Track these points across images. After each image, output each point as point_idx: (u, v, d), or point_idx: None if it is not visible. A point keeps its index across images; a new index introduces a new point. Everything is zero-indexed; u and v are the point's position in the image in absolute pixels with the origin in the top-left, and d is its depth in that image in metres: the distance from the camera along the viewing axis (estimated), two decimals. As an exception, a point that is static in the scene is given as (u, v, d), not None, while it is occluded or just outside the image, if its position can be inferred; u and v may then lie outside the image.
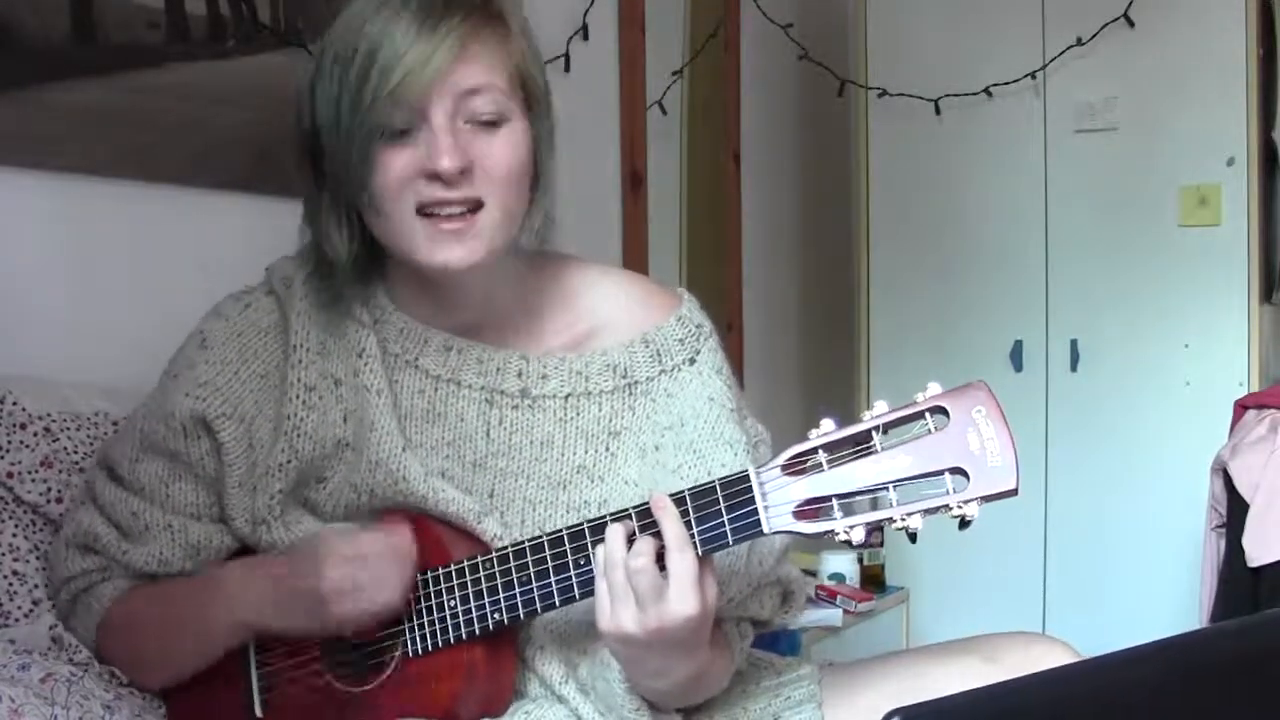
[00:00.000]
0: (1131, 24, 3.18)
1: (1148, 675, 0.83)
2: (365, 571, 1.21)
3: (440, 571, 1.24)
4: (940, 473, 1.07)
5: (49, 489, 1.43)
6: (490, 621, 1.22)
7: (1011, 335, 3.38)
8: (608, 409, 1.32)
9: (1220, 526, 2.76)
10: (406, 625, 1.25)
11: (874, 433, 1.09)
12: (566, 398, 1.31)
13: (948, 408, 1.08)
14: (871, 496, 1.10)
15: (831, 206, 3.79)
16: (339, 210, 1.27)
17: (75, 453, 1.49)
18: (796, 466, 1.12)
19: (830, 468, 1.10)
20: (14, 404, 1.46)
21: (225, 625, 1.27)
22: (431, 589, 1.24)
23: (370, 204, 1.22)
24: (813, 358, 3.87)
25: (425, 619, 1.24)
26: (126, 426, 1.36)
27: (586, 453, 1.31)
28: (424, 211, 1.22)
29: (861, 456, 1.09)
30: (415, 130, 1.20)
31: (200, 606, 1.29)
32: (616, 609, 1.12)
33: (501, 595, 1.21)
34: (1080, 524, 3.26)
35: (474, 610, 1.22)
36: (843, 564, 3.09)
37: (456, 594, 1.23)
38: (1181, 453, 3.10)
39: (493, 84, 1.22)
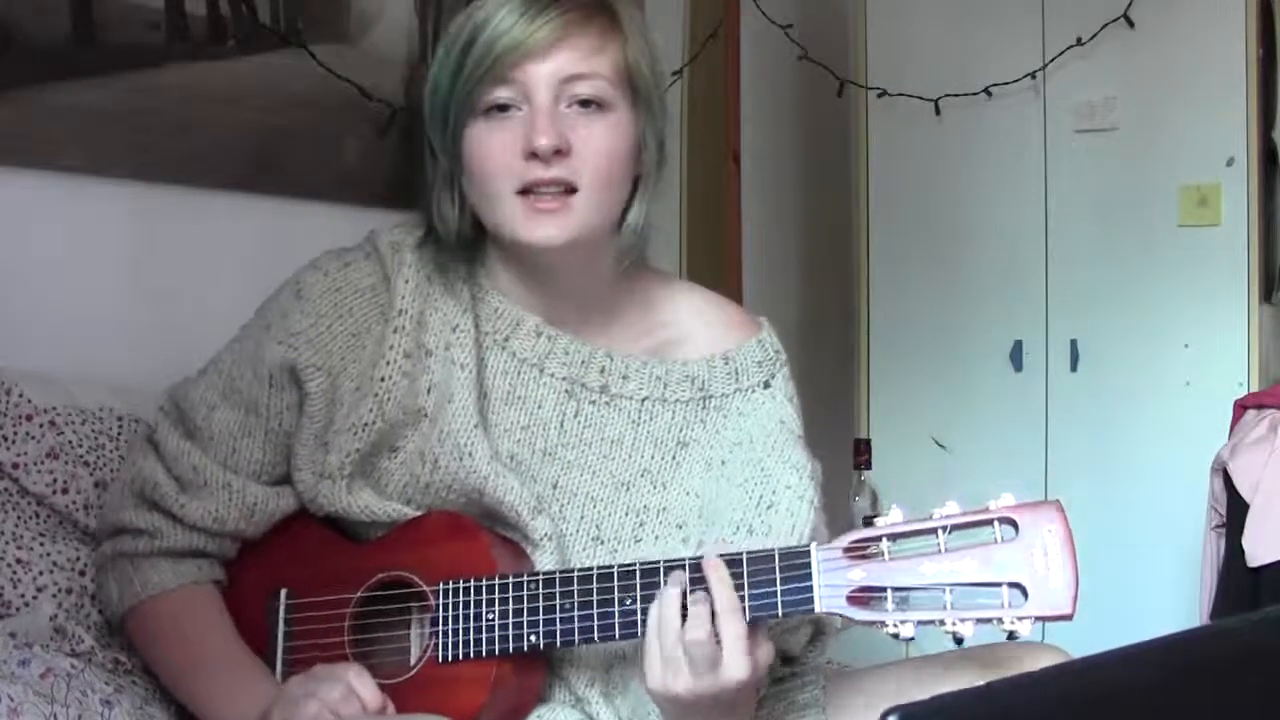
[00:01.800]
0: (1131, 24, 3.17)
1: (1146, 673, 0.83)
2: None
3: (484, 582, 1.23)
4: (999, 584, 1.08)
5: (54, 480, 1.44)
6: (525, 643, 1.21)
7: (1011, 335, 3.38)
8: (680, 418, 1.33)
9: (1220, 526, 2.76)
10: (440, 629, 1.24)
11: (940, 531, 1.10)
12: (643, 401, 1.33)
13: (1018, 521, 1.10)
14: (927, 594, 1.10)
15: (831, 206, 3.79)
16: (451, 188, 1.31)
17: (80, 446, 1.49)
18: (858, 551, 1.12)
19: (891, 559, 1.11)
20: (20, 396, 1.46)
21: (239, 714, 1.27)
22: (471, 596, 1.23)
23: (470, 181, 1.27)
24: (812, 358, 3.87)
25: (460, 625, 1.23)
26: (209, 371, 1.37)
27: (654, 458, 1.33)
28: (522, 191, 1.25)
29: (924, 553, 1.10)
30: (518, 110, 1.25)
31: (222, 689, 1.29)
32: (668, 674, 1.13)
33: (541, 620, 1.21)
34: (1080, 524, 3.24)
35: (510, 628, 1.21)
36: (843, 564, 3.09)
37: (496, 608, 1.22)
38: (1181, 453, 3.09)
39: (596, 72, 1.26)
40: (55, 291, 1.70)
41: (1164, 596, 3.14)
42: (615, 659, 1.28)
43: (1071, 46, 3.24)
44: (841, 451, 3.26)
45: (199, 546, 1.34)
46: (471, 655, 1.23)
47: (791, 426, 1.35)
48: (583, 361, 1.33)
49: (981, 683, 1.21)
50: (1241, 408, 2.81)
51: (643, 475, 1.32)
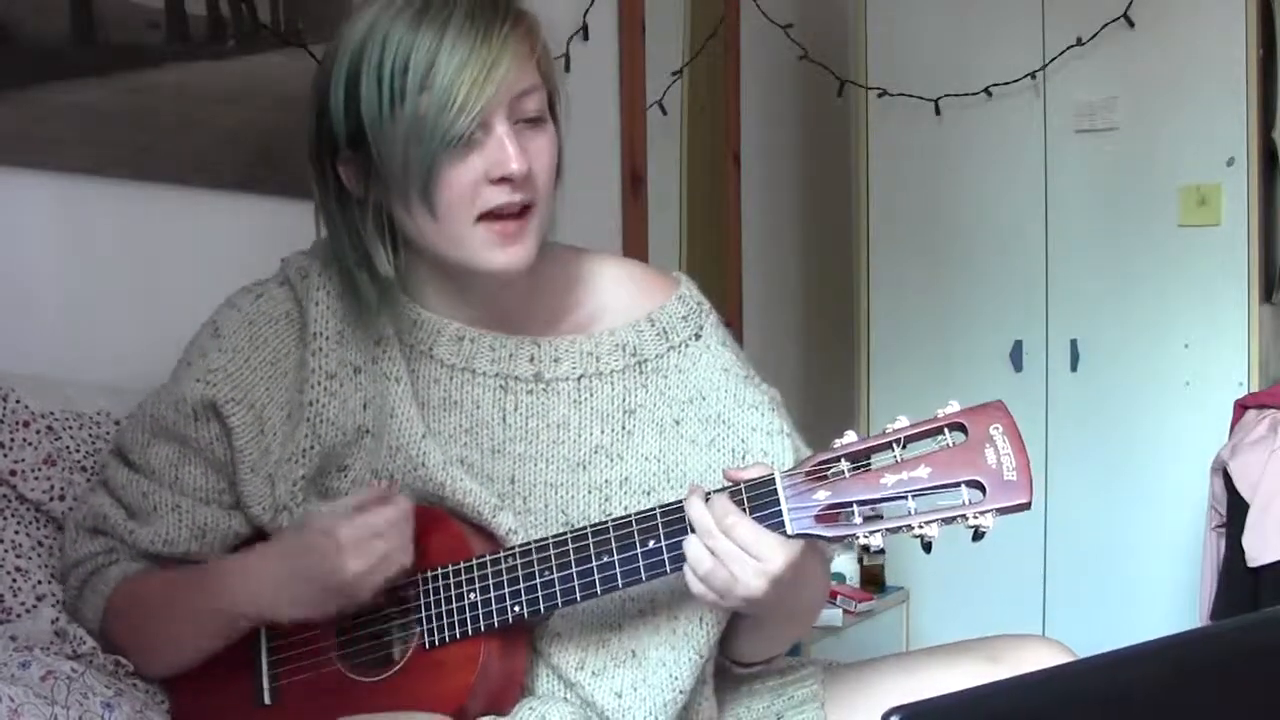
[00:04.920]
0: (1131, 24, 3.18)
1: (1147, 674, 0.83)
2: (382, 545, 1.21)
3: (461, 564, 1.25)
4: (957, 484, 1.12)
5: (51, 486, 1.43)
6: (510, 615, 1.23)
7: (1011, 335, 3.38)
8: (620, 388, 1.34)
9: (1220, 526, 2.77)
10: (424, 615, 1.25)
11: (894, 445, 1.14)
12: (579, 379, 1.34)
13: (966, 424, 1.13)
14: (891, 504, 1.13)
15: (831, 206, 3.79)
16: (380, 222, 1.28)
17: (77, 451, 1.49)
18: (820, 473, 1.15)
19: (852, 475, 1.14)
20: (17, 402, 1.46)
21: (225, 617, 1.28)
22: (451, 580, 1.24)
23: (429, 213, 1.23)
24: (813, 358, 3.87)
25: (443, 608, 1.24)
26: (138, 413, 1.38)
27: (603, 433, 1.33)
28: (483, 216, 1.24)
29: (882, 467, 1.14)
30: (474, 139, 1.22)
31: (200, 596, 1.29)
32: (736, 591, 1.16)
33: (523, 589, 1.22)
34: (1080, 524, 3.26)
35: (494, 603, 1.23)
36: (843, 564, 3.09)
37: (476, 586, 1.23)
38: (1181, 453, 3.10)
39: (537, 84, 1.26)
40: (54, 292, 1.70)
41: (1164, 596, 3.14)
42: (608, 633, 1.29)
43: (1071, 46, 3.24)
44: (841, 451, 3.26)
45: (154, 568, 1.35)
46: (458, 636, 1.24)
47: (736, 370, 1.36)
48: (510, 355, 1.34)
49: (980, 676, 1.24)
50: (1241, 408, 2.81)
51: (596, 452, 1.33)
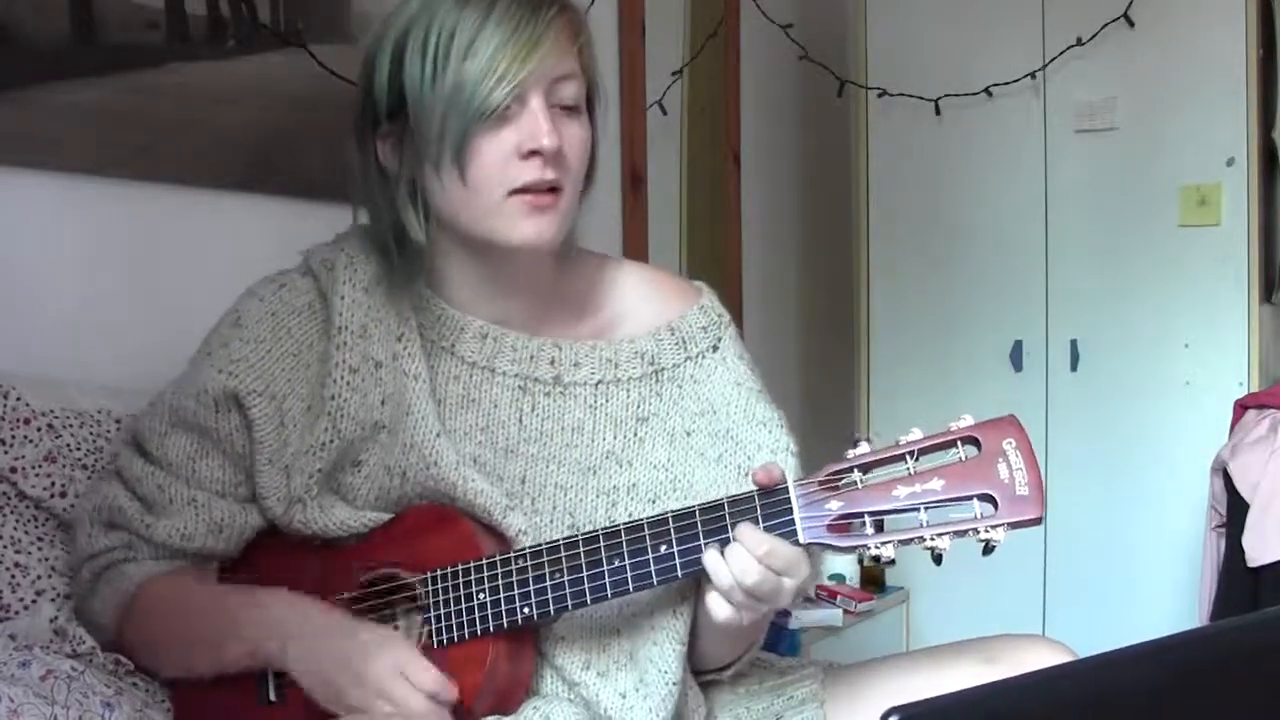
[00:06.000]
0: (1131, 24, 3.18)
1: (1147, 674, 0.83)
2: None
3: (471, 564, 1.25)
4: (970, 498, 1.13)
5: (52, 484, 1.44)
6: (519, 616, 1.23)
7: (1011, 335, 3.38)
8: (635, 395, 1.35)
9: (1220, 526, 2.77)
10: (432, 614, 1.25)
11: (908, 456, 1.15)
12: (597, 384, 1.35)
13: (979, 438, 1.14)
14: (903, 516, 1.14)
15: (831, 206, 3.79)
16: (415, 193, 1.30)
17: (78, 449, 1.49)
18: (832, 483, 1.16)
19: (865, 486, 1.15)
20: (18, 399, 1.46)
21: (247, 654, 1.27)
22: (460, 580, 1.25)
23: (462, 181, 1.25)
24: (813, 359, 3.87)
25: (452, 608, 1.25)
26: (156, 402, 1.37)
27: (615, 438, 1.34)
28: (514, 193, 1.26)
29: (895, 478, 1.15)
30: (510, 113, 1.24)
31: (228, 626, 1.28)
32: (744, 614, 1.19)
33: (533, 590, 1.23)
34: (1080, 524, 3.26)
35: (503, 604, 1.23)
36: (843, 564, 3.09)
37: (486, 586, 1.24)
38: (1181, 453, 3.10)
39: (576, 72, 1.29)
40: (54, 292, 1.70)
41: (1164, 596, 3.14)
42: (609, 636, 1.29)
43: (1071, 46, 3.24)
44: (841, 451, 3.25)
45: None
46: (466, 636, 1.24)
47: (749, 385, 1.36)
48: (531, 356, 1.34)
49: (979, 676, 1.24)
50: (1241, 408, 2.81)
51: (607, 457, 1.34)
